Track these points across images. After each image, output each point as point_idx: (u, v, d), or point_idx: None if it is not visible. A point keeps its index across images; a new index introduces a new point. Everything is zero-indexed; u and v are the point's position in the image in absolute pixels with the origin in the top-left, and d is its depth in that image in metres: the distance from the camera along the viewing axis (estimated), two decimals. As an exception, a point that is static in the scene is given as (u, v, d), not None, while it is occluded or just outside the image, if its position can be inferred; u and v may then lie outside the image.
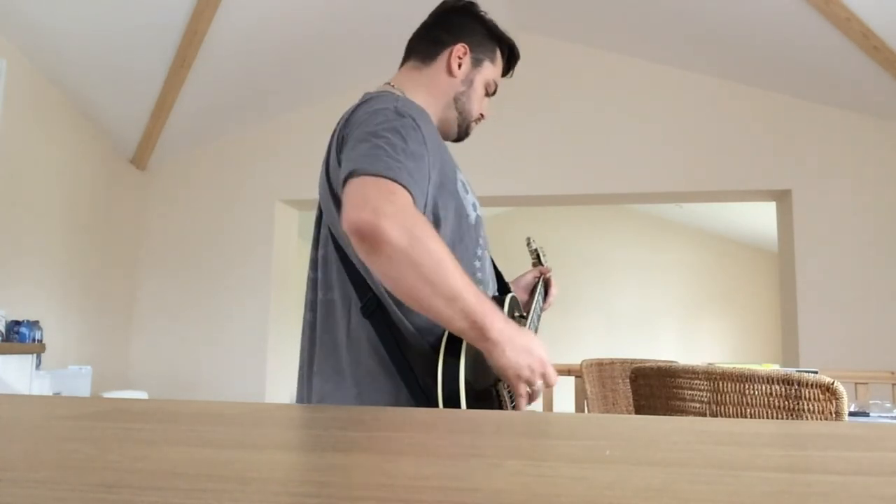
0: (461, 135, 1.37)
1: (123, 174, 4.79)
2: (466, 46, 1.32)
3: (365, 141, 1.06)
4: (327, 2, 3.91)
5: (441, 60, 1.31)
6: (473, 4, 1.37)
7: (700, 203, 6.54)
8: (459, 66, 1.31)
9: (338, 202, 1.16)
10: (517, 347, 1.01)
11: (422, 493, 0.30)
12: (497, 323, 1.00)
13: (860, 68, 3.81)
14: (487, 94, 1.37)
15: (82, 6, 3.51)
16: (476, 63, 1.33)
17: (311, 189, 5.04)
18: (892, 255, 4.16)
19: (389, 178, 0.99)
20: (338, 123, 1.21)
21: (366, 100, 1.19)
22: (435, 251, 0.96)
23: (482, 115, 1.38)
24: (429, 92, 1.30)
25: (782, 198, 4.49)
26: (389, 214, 0.95)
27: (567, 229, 8.38)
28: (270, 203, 4.85)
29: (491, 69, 1.36)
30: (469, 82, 1.32)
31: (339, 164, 1.12)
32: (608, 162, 4.53)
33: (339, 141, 1.15)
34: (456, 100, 1.32)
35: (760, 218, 6.64)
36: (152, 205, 5.00)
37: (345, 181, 1.02)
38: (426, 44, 1.34)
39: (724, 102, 4.46)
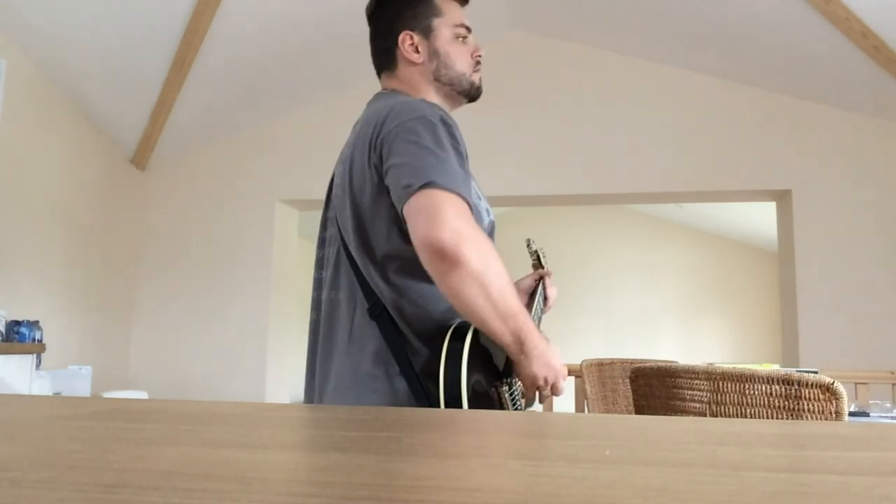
0: (470, 94, 1.32)
1: (123, 174, 4.79)
2: (406, 32, 1.28)
3: (428, 151, 1.06)
4: (327, 2, 3.91)
5: (400, 60, 1.29)
6: None
7: (700, 203, 6.54)
8: (416, 50, 1.28)
9: (356, 209, 1.16)
10: (542, 362, 1.10)
11: (422, 493, 0.30)
12: (535, 340, 1.09)
13: (860, 68, 3.81)
14: (464, 38, 1.31)
15: (82, 7, 3.51)
16: (426, 33, 1.28)
17: (311, 189, 5.03)
18: (891, 254, 4.16)
19: (462, 197, 1.03)
20: (365, 126, 1.18)
21: (399, 102, 1.16)
22: (502, 275, 1.04)
23: (478, 57, 1.32)
24: (414, 88, 1.28)
25: (782, 198, 4.49)
26: (469, 238, 1.00)
27: (567, 229, 8.38)
28: (270, 203, 4.85)
29: (445, 20, 1.29)
30: (434, 53, 1.28)
31: (381, 169, 1.12)
32: (608, 162, 4.53)
33: (378, 144, 1.13)
34: (437, 78, 1.29)
35: (760, 218, 6.64)
36: (152, 205, 5.00)
37: (415, 190, 1.02)
38: (380, 56, 1.32)
39: (724, 102, 4.46)
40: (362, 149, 1.16)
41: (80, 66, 3.95)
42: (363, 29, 1.37)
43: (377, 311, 1.13)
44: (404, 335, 1.12)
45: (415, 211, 1.02)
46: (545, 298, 1.58)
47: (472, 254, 0.99)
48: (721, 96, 4.46)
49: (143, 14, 3.64)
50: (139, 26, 3.71)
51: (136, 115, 4.43)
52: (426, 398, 1.07)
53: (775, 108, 4.39)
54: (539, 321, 1.51)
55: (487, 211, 1.25)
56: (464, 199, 1.03)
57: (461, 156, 1.10)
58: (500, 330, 1.05)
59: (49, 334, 3.85)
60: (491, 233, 1.24)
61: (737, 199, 4.95)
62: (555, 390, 1.14)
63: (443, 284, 1.04)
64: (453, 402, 1.03)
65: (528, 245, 1.71)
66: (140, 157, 4.81)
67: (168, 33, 3.80)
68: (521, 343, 1.07)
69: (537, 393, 1.14)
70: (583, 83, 4.65)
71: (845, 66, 3.85)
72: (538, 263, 1.69)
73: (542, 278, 1.59)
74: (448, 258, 0.99)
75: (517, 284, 1.59)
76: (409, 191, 1.03)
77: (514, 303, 1.06)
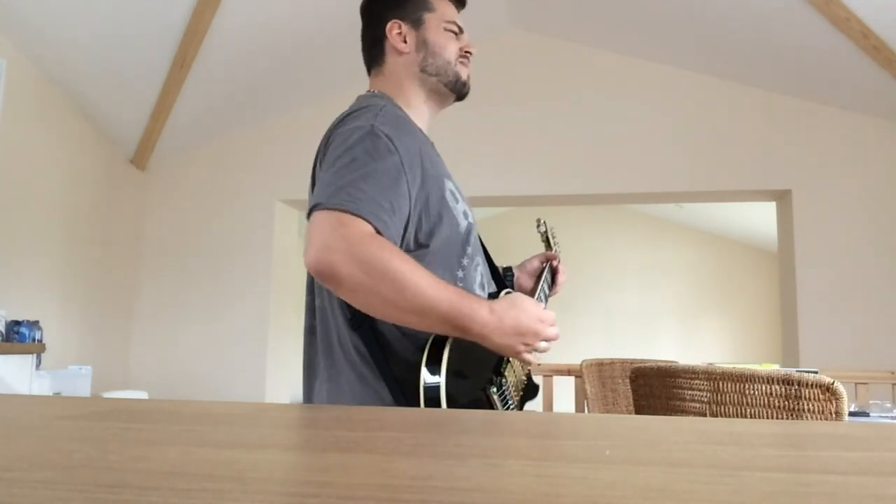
0: (457, 89, 1.31)
1: (123, 174, 4.79)
2: (395, 21, 1.28)
3: (333, 168, 1.07)
4: (326, 2, 3.91)
5: (388, 51, 1.30)
6: None
7: (700, 203, 6.54)
8: (404, 40, 1.28)
9: None
10: (506, 331, 1.04)
11: (422, 493, 0.30)
12: (478, 317, 1.02)
13: (860, 68, 3.81)
14: (456, 34, 1.31)
15: (82, 6, 3.51)
16: (416, 24, 1.29)
17: (311, 189, 4.93)
18: (892, 255, 4.16)
19: (344, 211, 1.01)
20: (326, 132, 1.21)
21: (349, 112, 1.19)
22: (393, 272, 0.98)
23: (468, 53, 1.32)
24: (399, 84, 1.28)
25: (782, 198, 4.50)
26: (338, 250, 0.98)
27: (567, 229, 8.36)
28: (270, 203, 4.85)
29: (435, 14, 1.30)
30: (423, 44, 1.28)
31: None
32: (608, 162, 4.53)
33: (321, 155, 1.17)
34: (422, 69, 1.28)
35: (760, 218, 6.64)
36: (152, 205, 5.00)
37: (308, 216, 1.05)
38: (369, 49, 1.33)
39: (724, 102, 4.46)
40: (317, 157, 1.19)
41: (80, 66, 3.95)
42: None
43: (357, 322, 1.12)
44: (388, 341, 1.11)
45: (306, 236, 1.04)
46: (552, 282, 1.56)
47: (343, 265, 0.97)
48: (721, 96, 4.46)
49: (143, 14, 3.64)
50: (139, 26, 3.71)
51: (136, 115, 4.43)
52: (406, 404, 1.07)
53: (775, 108, 4.39)
54: (545, 305, 1.48)
55: (465, 213, 1.22)
56: (353, 213, 1.00)
57: (374, 165, 1.06)
58: (423, 325, 1.02)
59: (49, 334, 3.85)
60: (468, 235, 1.21)
61: (737, 199, 4.95)
62: (547, 341, 1.11)
63: (346, 300, 1.05)
64: (432, 404, 1.03)
65: (538, 226, 1.67)
66: (140, 157, 4.81)
67: (168, 33, 3.80)
68: (462, 328, 1.02)
69: (530, 356, 1.09)
70: (582, 83, 4.65)
71: (845, 66, 3.85)
72: (547, 245, 1.66)
73: (548, 261, 1.57)
74: (325, 277, 1.00)
75: (523, 266, 1.56)
76: (308, 216, 1.06)
77: (426, 294, 0.99)
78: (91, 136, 4.42)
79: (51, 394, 3.56)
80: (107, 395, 4.12)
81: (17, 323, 3.55)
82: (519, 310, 1.07)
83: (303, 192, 4.69)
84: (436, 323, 1.01)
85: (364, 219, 1.01)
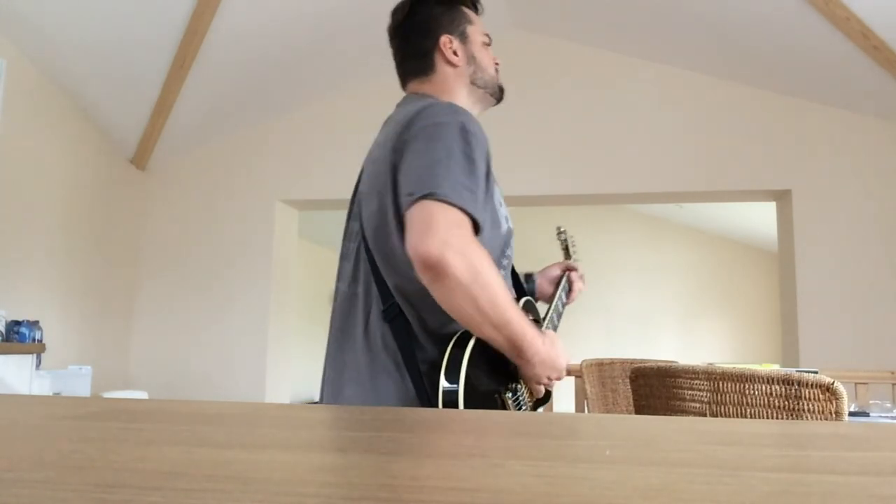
0: (498, 96, 1.40)
1: (123, 174, 4.79)
2: (447, 35, 1.33)
3: (437, 161, 1.08)
4: (327, 2, 3.91)
5: (439, 63, 1.33)
6: None
7: (700, 203, 6.53)
8: (455, 53, 1.33)
9: (380, 210, 1.17)
10: (545, 363, 1.14)
11: (422, 493, 0.30)
12: (533, 345, 1.12)
13: (860, 68, 3.81)
14: (488, 45, 1.39)
15: (83, 7, 3.51)
16: (462, 38, 1.34)
17: (311, 189, 5.02)
18: (892, 255, 4.16)
19: (458, 207, 1.04)
20: (395, 127, 1.19)
21: (427, 106, 1.18)
22: (492, 285, 1.05)
23: (497, 64, 1.40)
24: (451, 91, 1.32)
25: (782, 198, 4.49)
26: (456, 249, 1.02)
27: (567, 229, 8.36)
28: (270, 203, 4.85)
29: (475, 28, 1.37)
30: (471, 58, 1.34)
31: (397, 172, 1.14)
32: (608, 162, 4.53)
33: (400, 147, 1.15)
34: (473, 81, 1.34)
35: (760, 218, 6.63)
36: (152, 205, 5.00)
37: (415, 199, 1.05)
38: (414, 60, 1.35)
39: (725, 102, 4.46)
40: (388, 151, 1.18)
41: (80, 66, 3.95)
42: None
43: (391, 314, 1.15)
44: (415, 336, 1.14)
45: (411, 220, 1.05)
46: (569, 291, 1.60)
47: (458, 265, 1.01)
48: (721, 96, 4.46)
49: (144, 14, 3.64)
50: (139, 26, 3.71)
51: (136, 115, 4.43)
52: (429, 401, 1.10)
53: (775, 107, 4.39)
54: (560, 316, 1.52)
55: (506, 218, 1.27)
56: (464, 211, 1.05)
57: (473, 164, 1.11)
58: (492, 336, 1.08)
59: (49, 334, 3.85)
60: (508, 240, 1.26)
61: (737, 199, 4.95)
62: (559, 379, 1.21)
63: (433, 294, 1.07)
64: (450, 407, 1.05)
65: (558, 234, 1.74)
66: (140, 157, 4.81)
67: (168, 33, 3.80)
68: (518, 350, 1.10)
69: (540, 388, 1.19)
70: (583, 83, 4.65)
71: (845, 66, 3.85)
72: (566, 253, 1.71)
73: (568, 270, 1.63)
74: (434, 269, 1.02)
75: (543, 273, 1.62)
76: (411, 199, 1.06)
77: (508, 313, 1.07)
78: (91, 136, 4.42)
79: (51, 394, 3.56)
80: (107, 395, 4.12)
81: (17, 323, 3.55)
82: (559, 349, 1.18)
83: (303, 192, 4.67)
84: (502, 338, 1.09)
85: (471, 218, 1.06)
